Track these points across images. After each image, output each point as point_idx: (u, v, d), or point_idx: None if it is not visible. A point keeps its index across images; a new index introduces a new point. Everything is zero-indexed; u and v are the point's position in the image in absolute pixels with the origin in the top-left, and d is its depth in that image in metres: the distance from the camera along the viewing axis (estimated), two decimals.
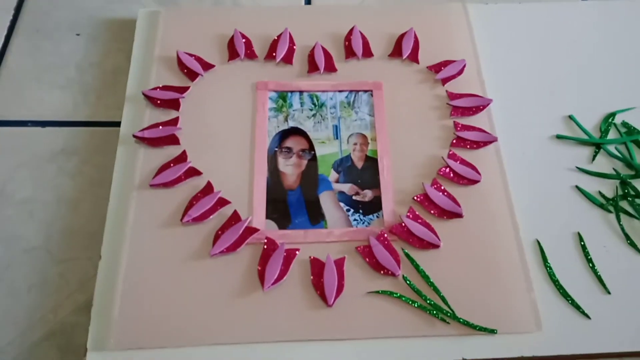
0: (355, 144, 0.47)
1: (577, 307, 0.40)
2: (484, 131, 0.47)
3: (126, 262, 0.40)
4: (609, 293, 0.40)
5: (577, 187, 0.45)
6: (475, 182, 0.44)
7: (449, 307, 0.39)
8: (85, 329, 0.38)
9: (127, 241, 0.41)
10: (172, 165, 0.44)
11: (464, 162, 0.45)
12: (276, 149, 0.46)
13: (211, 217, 0.42)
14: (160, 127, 0.46)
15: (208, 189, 0.44)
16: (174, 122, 0.47)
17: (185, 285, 0.40)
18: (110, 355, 0.37)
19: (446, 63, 0.50)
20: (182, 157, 0.45)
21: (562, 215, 0.44)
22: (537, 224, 0.43)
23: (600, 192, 0.45)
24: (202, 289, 0.40)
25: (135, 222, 0.42)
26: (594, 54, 0.52)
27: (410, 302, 0.39)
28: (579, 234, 0.43)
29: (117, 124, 0.47)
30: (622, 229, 0.43)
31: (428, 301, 0.39)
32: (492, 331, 0.38)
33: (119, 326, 0.38)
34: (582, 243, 0.42)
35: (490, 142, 0.46)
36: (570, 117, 0.48)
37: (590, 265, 0.42)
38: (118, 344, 0.37)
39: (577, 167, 0.46)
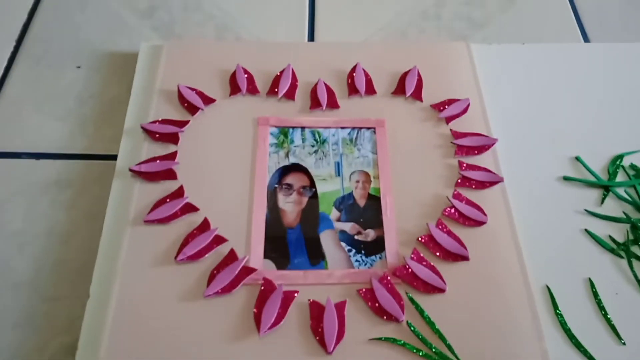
0: (357, 181, 0.46)
1: (591, 358, 0.38)
2: (489, 171, 0.46)
3: (116, 302, 0.38)
4: (624, 344, 0.38)
5: (586, 230, 0.43)
6: (481, 223, 0.43)
7: (455, 355, 0.37)
8: None
9: (117, 280, 0.39)
10: (168, 200, 0.43)
11: (469, 203, 0.44)
12: (276, 186, 0.45)
13: (207, 255, 0.41)
14: (158, 161, 0.45)
15: (204, 225, 0.42)
16: (172, 156, 0.46)
17: (177, 329, 0.37)
18: None
19: (450, 102, 0.50)
20: (179, 193, 0.44)
21: (571, 260, 0.42)
22: (546, 269, 0.41)
23: (610, 236, 0.43)
24: (194, 333, 0.37)
25: (127, 259, 0.40)
26: (600, 95, 0.52)
27: (414, 351, 0.37)
28: (590, 280, 0.41)
29: (114, 157, 0.46)
30: (635, 276, 0.41)
31: (433, 349, 0.37)
32: None
33: None
34: (594, 289, 0.41)
35: (496, 183, 0.45)
36: (577, 159, 0.47)
37: (603, 312, 0.40)
38: None
39: (586, 210, 0.45)
